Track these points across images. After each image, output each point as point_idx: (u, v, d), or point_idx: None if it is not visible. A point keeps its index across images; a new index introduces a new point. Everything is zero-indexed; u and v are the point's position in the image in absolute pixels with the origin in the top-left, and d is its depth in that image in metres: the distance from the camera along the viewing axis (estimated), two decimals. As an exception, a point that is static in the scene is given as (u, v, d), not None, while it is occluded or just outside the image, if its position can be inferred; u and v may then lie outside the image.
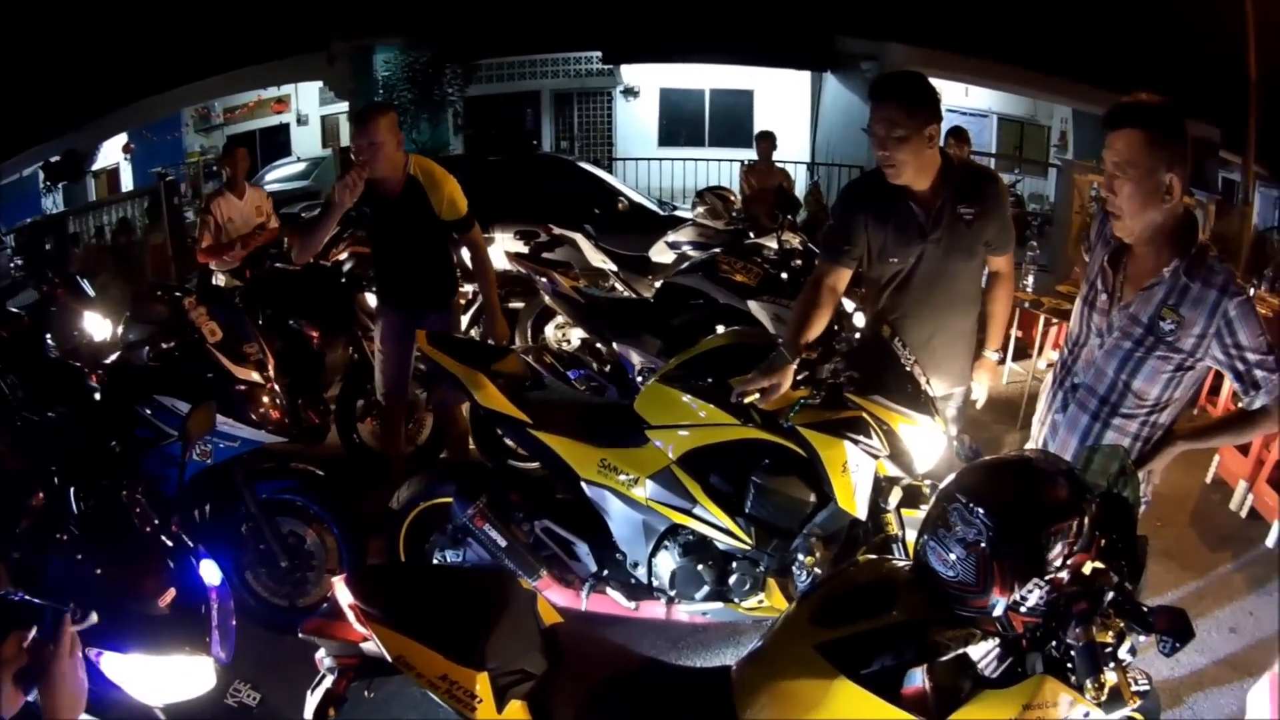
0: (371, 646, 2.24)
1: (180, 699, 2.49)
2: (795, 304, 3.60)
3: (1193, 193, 12.70)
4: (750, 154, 12.52)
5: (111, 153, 18.67)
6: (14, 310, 5.41)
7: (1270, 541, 4.93)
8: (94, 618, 1.77)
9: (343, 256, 6.53)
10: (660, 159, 16.03)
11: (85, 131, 15.54)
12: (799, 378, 3.28)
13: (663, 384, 3.53)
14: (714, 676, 2.21)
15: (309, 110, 20.89)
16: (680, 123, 19.87)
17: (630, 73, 19.58)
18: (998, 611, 1.93)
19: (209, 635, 2.53)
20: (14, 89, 12.69)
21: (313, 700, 2.30)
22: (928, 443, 3.39)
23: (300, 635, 2.35)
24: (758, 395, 3.22)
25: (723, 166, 15.16)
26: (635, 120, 20.05)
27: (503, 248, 8.22)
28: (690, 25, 15.72)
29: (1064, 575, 1.94)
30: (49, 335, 5.03)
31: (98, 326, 5.42)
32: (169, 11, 14.10)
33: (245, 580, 3.97)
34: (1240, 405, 2.74)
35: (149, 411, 3.67)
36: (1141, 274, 2.72)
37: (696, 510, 3.41)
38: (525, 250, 7.05)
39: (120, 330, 5.06)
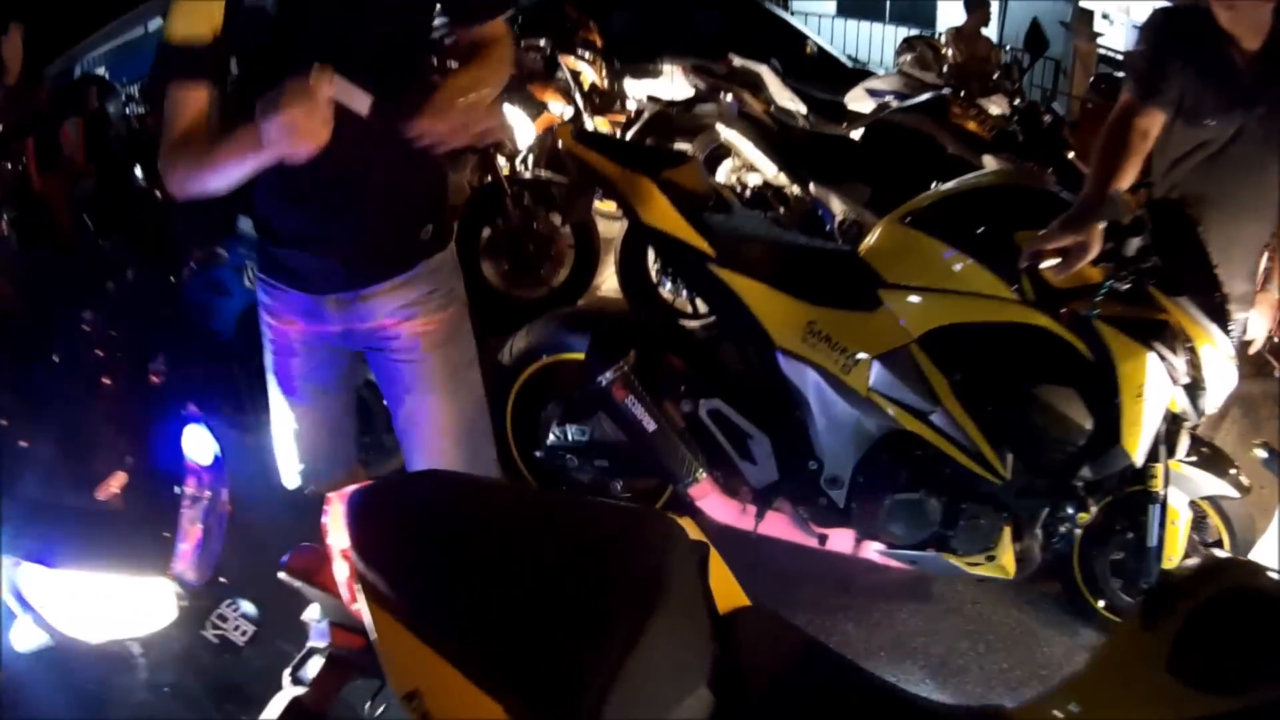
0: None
1: (126, 635, 1.63)
2: (1095, 149, 2.60)
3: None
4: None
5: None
6: None
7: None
8: None
9: None
10: (841, 17, 14.54)
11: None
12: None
13: (908, 225, 2.50)
14: None
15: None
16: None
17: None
18: None
19: (172, 542, 1.66)
20: None
21: (274, 707, 1.30)
22: (1222, 375, 2.42)
23: (280, 577, 1.36)
24: (1055, 261, 2.24)
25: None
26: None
27: (672, 81, 7.13)
28: None
29: None
30: None
31: None
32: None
33: None
34: None
35: None
36: None
37: (935, 418, 2.42)
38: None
39: None
